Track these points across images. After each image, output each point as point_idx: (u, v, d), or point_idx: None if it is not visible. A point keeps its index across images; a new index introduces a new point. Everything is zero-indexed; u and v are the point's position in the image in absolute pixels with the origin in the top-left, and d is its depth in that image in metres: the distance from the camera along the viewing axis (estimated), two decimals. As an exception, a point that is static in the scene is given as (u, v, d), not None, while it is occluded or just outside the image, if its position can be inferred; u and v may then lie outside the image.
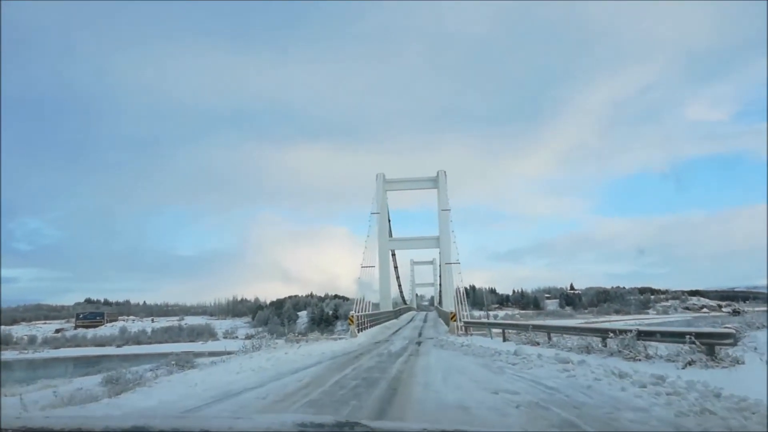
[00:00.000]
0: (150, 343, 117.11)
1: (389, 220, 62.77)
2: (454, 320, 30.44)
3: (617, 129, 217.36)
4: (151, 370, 15.64)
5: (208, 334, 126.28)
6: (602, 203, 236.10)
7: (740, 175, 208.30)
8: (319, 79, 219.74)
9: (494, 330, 27.74)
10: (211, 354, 22.53)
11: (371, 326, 38.99)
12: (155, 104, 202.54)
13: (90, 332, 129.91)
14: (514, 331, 25.81)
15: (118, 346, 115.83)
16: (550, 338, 21.43)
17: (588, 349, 17.43)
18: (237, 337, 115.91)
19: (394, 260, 72.92)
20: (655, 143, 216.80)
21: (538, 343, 21.32)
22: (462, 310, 39.12)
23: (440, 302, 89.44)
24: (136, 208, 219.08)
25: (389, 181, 59.60)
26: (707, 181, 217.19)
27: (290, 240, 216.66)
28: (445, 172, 58.35)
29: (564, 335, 21.01)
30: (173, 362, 16.79)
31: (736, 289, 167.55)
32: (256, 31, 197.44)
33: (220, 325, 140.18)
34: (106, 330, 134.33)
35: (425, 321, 57.05)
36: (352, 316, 30.61)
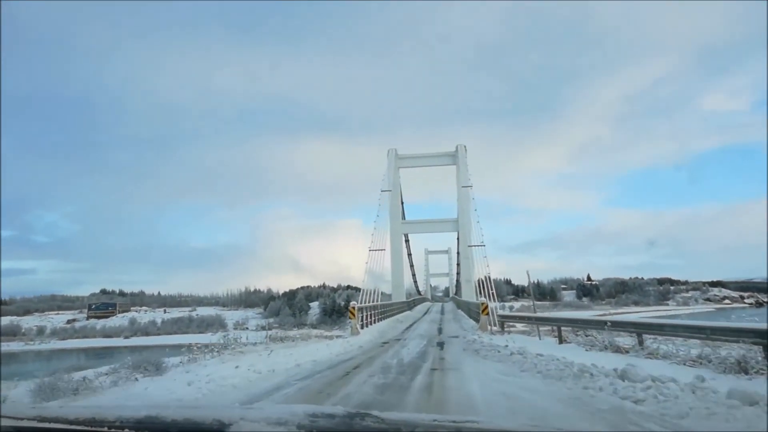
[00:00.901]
0: (159, 334, 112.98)
1: (402, 202, 55.10)
2: (486, 313, 22.71)
3: (630, 122, 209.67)
4: (106, 373, 13.75)
5: (218, 325, 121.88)
6: (615, 196, 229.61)
7: (754, 166, 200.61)
8: (330, 75, 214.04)
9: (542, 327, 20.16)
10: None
11: (380, 320, 31.51)
12: (168, 101, 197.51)
13: (100, 323, 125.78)
14: (569, 329, 18.24)
15: (126, 337, 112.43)
16: (641, 341, 13.73)
17: (742, 365, 9.80)
18: (247, 328, 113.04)
19: (408, 247, 65.27)
20: (668, 136, 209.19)
21: (625, 350, 13.66)
22: (491, 300, 31.41)
23: (457, 292, 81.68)
24: (150, 202, 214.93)
25: (402, 157, 51.93)
26: (721, 173, 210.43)
27: (302, 232, 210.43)
28: (465, 146, 50.54)
29: (668, 336, 13.33)
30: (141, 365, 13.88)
31: (754, 280, 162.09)
32: (265, 27, 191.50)
33: (232, 315, 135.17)
34: (117, 321, 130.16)
35: (443, 313, 49.28)
36: (354, 308, 23.01)
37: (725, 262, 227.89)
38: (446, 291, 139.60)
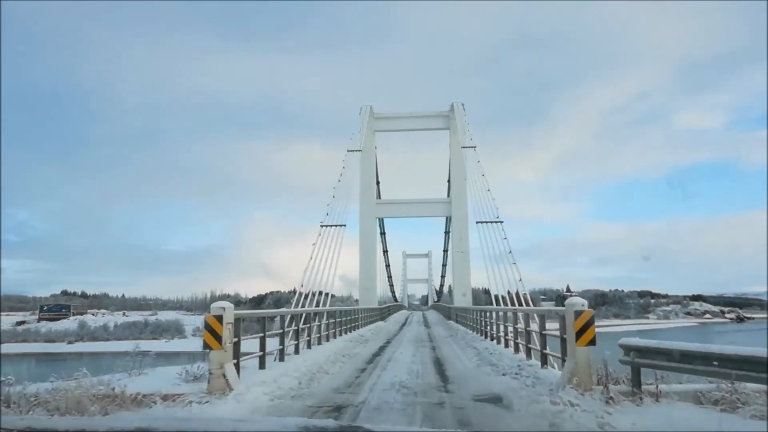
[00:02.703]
0: (108, 339, 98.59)
1: (377, 181, 39.74)
2: (588, 341, 7.32)
3: (609, 136, 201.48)
4: None
5: (175, 330, 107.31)
6: (593, 208, 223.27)
7: (735, 182, 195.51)
8: (315, 81, 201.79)
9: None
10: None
11: (329, 337, 16.32)
12: (150, 101, 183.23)
13: (45, 326, 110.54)
14: None
15: (70, 342, 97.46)
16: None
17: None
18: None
19: (384, 241, 49.81)
20: (650, 149, 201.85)
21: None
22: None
23: (439, 299, 66.36)
24: (127, 203, 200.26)
25: (380, 117, 36.70)
26: (701, 187, 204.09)
27: (277, 237, 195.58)
28: (462, 104, 35.46)
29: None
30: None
31: (726, 295, 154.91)
32: (250, 31, 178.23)
33: (194, 320, 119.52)
34: (68, 324, 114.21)
35: (427, 325, 33.78)
36: (217, 321, 7.58)
37: (700, 276, 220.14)
38: (423, 299, 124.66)
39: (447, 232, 48.75)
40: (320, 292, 22.53)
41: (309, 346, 14.63)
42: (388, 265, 55.07)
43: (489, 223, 23.64)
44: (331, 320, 18.33)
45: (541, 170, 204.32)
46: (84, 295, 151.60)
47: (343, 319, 20.73)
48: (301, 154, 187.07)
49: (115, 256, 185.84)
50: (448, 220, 42.32)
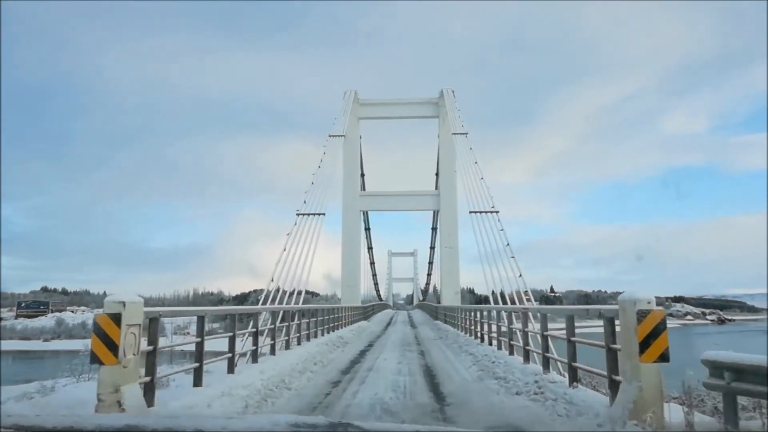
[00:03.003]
0: (86, 337, 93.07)
1: (362, 173, 37.21)
2: (660, 355, 4.89)
3: (593, 139, 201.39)
4: None
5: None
6: (581, 210, 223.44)
7: (717, 186, 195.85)
8: (306, 79, 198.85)
9: None
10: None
11: (301, 339, 13.75)
12: (136, 99, 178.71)
13: (24, 323, 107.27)
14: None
15: (46, 340, 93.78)
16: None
17: None
18: (188, 333, 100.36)
19: (368, 238, 47.21)
20: (633, 153, 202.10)
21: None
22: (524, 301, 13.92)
23: (425, 298, 63.97)
24: (112, 201, 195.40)
25: (365, 103, 34.12)
26: (684, 191, 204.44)
27: (264, 235, 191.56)
28: (452, 91, 32.96)
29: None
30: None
31: (706, 297, 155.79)
32: (239, 30, 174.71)
33: (176, 319, 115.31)
34: (46, 321, 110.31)
35: (413, 326, 31.29)
36: (110, 326, 5.03)
37: (682, 278, 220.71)
38: (408, 299, 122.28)
39: (434, 228, 46.35)
40: (295, 290, 19.77)
41: (273, 352, 12.00)
42: (372, 263, 52.73)
43: (483, 213, 21.18)
44: (306, 320, 15.68)
45: (528, 172, 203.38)
46: (65, 292, 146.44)
47: (320, 318, 18.11)
48: (290, 152, 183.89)
49: (98, 253, 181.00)
50: (436, 215, 39.89)
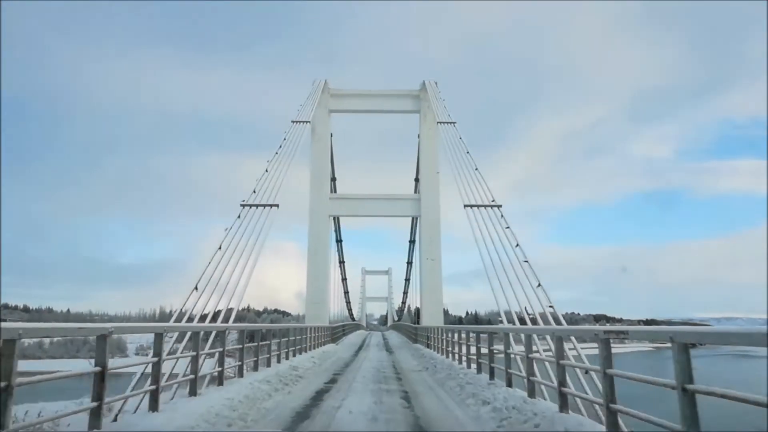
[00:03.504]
0: (41, 358, 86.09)
1: (333, 177, 32.33)
2: None
3: (564, 163, 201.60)
4: None
5: (116, 348, 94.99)
6: (550, 232, 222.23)
7: (677, 211, 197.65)
8: (278, 96, 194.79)
9: None
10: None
11: (219, 379, 8.64)
12: (106, 113, 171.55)
13: None
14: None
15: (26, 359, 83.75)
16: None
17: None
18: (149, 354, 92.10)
19: (340, 250, 42.00)
20: (601, 177, 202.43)
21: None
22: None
23: (400, 317, 59.16)
24: (79, 216, 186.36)
25: (337, 95, 29.43)
26: (645, 215, 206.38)
27: (238, 253, 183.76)
28: (435, 83, 28.49)
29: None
30: None
31: (689, 321, 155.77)
32: (218, 44, 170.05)
33: (139, 338, 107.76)
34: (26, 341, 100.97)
35: (389, 350, 26.16)
36: None
37: (648, 300, 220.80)
38: (382, 319, 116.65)
39: (412, 242, 41.54)
40: (232, 308, 14.63)
41: (195, 392, 7.06)
42: (344, 279, 47.37)
43: (482, 208, 16.48)
44: (250, 344, 10.63)
45: (496, 195, 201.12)
46: (26, 309, 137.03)
47: (265, 343, 13.07)
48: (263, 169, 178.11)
49: (65, 270, 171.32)
50: (414, 224, 35.17)
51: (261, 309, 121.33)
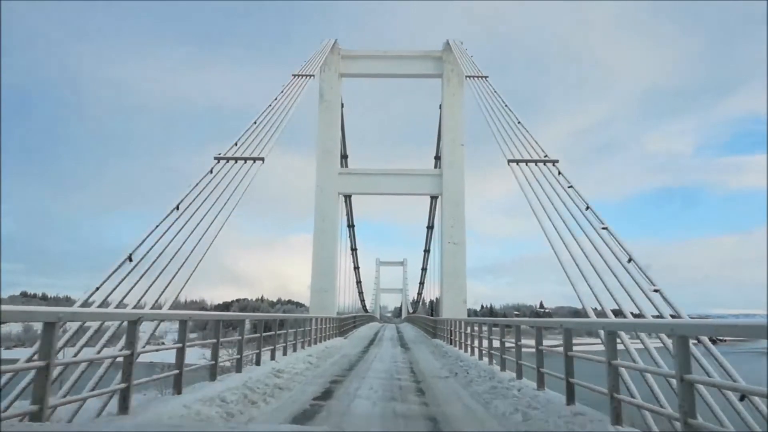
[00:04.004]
0: (25, 345, 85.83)
1: (344, 153, 28.46)
2: None
3: (577, 157, 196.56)
4: None
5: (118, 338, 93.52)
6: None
7: (696, 207, 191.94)
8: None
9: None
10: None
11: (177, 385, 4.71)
12: (128, 107, 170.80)
13: None
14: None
15: (8, 348, 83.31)
16: None
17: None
18: (163, 342, 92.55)
19: (352, 236, 38.09)
20: (613, 173, 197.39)
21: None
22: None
23: (415, 309, 55.36)
24: (95, 207, 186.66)
25: (349, 56, 25.55)
26: (661, 211, 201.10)
27: (252, 245, 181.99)
28: (461, 42, 24.41)
29: None
30: None
31: (704, 317, 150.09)
32: (223, 38, 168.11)
33: (145, 326, 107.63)
34: (14, 327, 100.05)
35: (404, 346, 22.24)
36: None
37: (669, 298, 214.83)
38: (396, 311, 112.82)
39: (429, 227, 37.50)
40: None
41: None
42: (356, 267, 43.43)
43: (531, 165, 12.46)
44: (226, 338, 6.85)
45: (509, 190, 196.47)
46: (44, 298, 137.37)
47: (229, 339, 9.37)
48: (277, 163, 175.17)
49: (84, 260, 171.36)
50: (433, 207, 31.12)
51: (275, 300, 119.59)
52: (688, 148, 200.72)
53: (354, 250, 39.70)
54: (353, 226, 35.74)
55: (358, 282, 48.11)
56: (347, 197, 30.92)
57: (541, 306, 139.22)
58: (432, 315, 34.73)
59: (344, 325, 26.02)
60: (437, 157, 28.07)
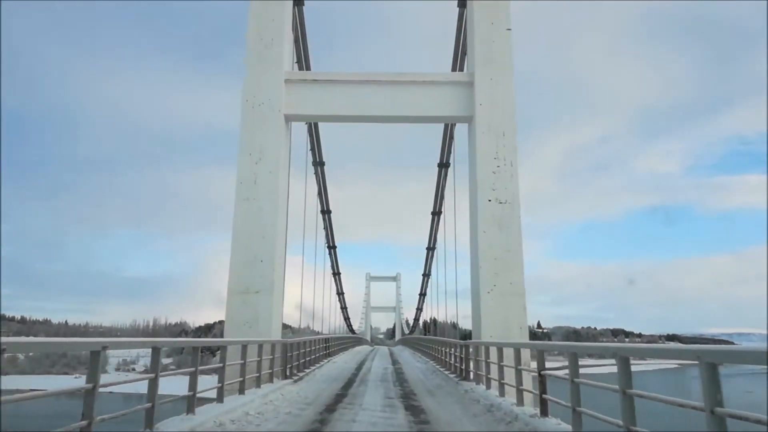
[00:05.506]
0: (9, 374, 76.01)
1: (302, 50, 16.35)
2: None
3: (570, 178, 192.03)
4: None
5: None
6: (557, 247, 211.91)
7: (685, 226, 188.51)
8: None
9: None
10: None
11: None
12: (112, 125, 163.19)
13: None
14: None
15: None
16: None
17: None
18: (134, 369, 78.06)
19: (333, 257, 26.06)
20: (604, 193, 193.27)
21: None
22: None
23: (412, 329, 43.74)
24: (85, 230, 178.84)
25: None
26: (656, 231, 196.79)
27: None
28: None
29: None
30: None
31: (699, 336, 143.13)
32: (217, 57, 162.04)
33: (126, 352, 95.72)
34: None
35: (405, 396, 10.40)
36: None
37: (654, 316, 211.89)
38: (389, 332, 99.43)
39: (430, 249, 25.50)
40: None
41: None
42: (337, 273, 30.54)
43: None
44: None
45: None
46: (23, 321, 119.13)
47: None
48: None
49: (69, 283, 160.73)
50: (436, 221, 19.16)
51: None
52: (677, 168, 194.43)
53: (336, 274, 27.71)
54: (329, 211, 23.79)
55: (340, 293, 35.99)
56: (312, 130, 18.28)
57: (539, 326, 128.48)
58: (426, 334, 23.15)
59: (307, 353, 14.19)
60: (459, 55, 15.50)
